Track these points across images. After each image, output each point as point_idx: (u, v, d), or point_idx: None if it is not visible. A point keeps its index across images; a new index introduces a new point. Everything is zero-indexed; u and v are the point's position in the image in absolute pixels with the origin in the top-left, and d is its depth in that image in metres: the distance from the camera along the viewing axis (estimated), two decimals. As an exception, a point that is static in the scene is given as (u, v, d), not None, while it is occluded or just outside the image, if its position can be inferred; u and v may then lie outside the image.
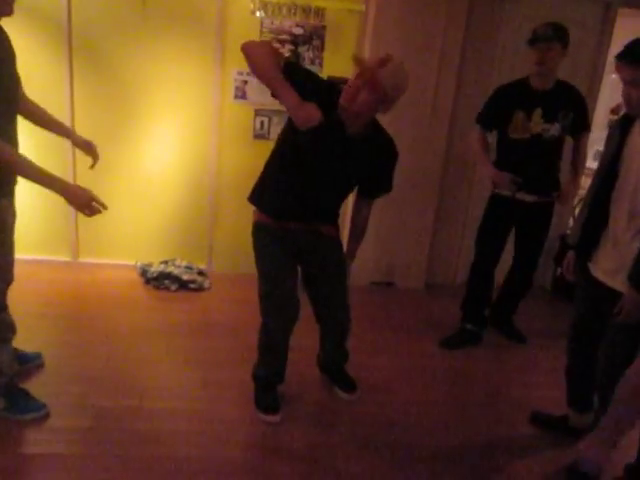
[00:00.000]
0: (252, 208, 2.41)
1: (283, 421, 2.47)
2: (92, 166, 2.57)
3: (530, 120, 2.99)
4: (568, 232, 3.10)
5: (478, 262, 3.35)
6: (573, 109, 3.01)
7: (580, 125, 3.08)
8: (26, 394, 2.37)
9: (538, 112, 2.98)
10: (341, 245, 2.51)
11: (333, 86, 2.19)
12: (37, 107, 2.45)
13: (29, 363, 2.67)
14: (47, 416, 2.33)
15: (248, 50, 2.06)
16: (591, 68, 4.09)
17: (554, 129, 2.99)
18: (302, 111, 1.99)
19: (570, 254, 2.36)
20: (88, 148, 2.58)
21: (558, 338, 3.50)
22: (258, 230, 2.40)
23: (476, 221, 4.25)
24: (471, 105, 3.96)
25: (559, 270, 4.39)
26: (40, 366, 2.69)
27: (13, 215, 2.31)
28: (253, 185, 2.41)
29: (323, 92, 2.13)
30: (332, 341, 2.70)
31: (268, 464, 2.22)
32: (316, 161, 2.19)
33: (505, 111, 3.06)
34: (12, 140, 2.15)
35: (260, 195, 2.37)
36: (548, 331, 3.67)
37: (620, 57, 1.96)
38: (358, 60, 2.09)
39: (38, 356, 2.72)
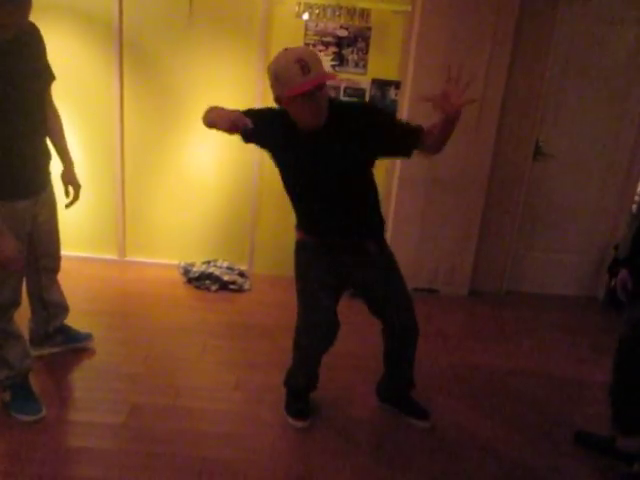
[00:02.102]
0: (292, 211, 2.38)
1: (312, 428, 2.45)
2: (67, 205, 2.55)
3: None
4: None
5: None
6: None
7: None
8: (29, 394, 2.37)
9: None
10: (389, 257, 2.37)
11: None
12: (55, 120, 2.43)
13: (81, 342, 2.83)
14: (42, 420, 2.31)
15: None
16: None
17: None
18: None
19: (623, 272, 2.20)
20: (72, 186, 2.55)
21: (608, 352, 3.36)
22: (302, 249, 2.36)
23: (528, 227, 4.13)
24: (520, 108, 3.84)
25: (613, 281, 4.18)
26: (91, 345, 2.85)
27: (43, 210, 2.36)
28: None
29: (280, 116, 2.11)
30: (399, 354, 2.49)
31: (295, 470, 2.20)
32: (312, 172, 2.17)
33: None
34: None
35: (300, 220, 2.37)
36: (598, 344, 3.49)
37: None
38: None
39: (89, 336, 2.86)
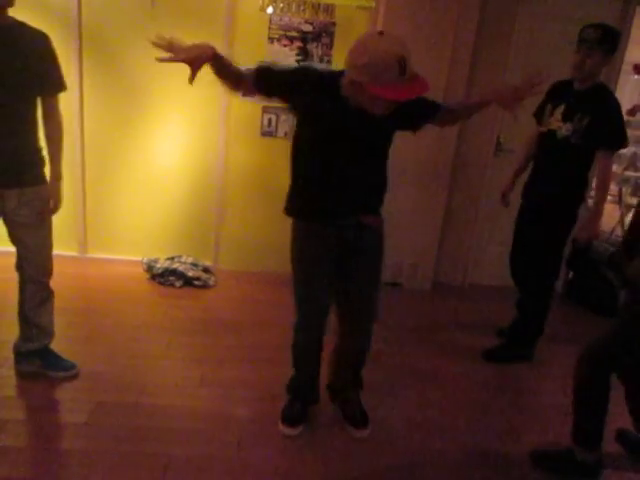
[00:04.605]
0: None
1: (278, 421, 2.45)
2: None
3: (552, 115, 2.91)
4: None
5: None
6: (591, 114, 2.76)
7: (596, 136, 2.75)
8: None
9: (561, 109, 2.88)
10: (382, 238, 2.27)
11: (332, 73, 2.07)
12: (53, 131, 2.40)
13: (62, 371, 2.60)
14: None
15: None
16: (608, 67, 3.98)
17: (565, 129, 2.84)
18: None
19: None
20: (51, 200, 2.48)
21: (565, 342, 3.46)
22: (299, 232, 2.22)
23: (488, 221, 4.22)
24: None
25: (571, 274, 4.31)
26: (73, 377, 2.60)
27: (22, 210, 2.33)
28: (287, 196, 2.23)
29: (323, 78, 2.03)
30: (351, 353, 2.46)
31: (262, 466, 2.20)
32: (343, 137, 2.03)
33: (543, 104, 3.03)
34: None
35: (299, 204, 2.19)
36: (555, 336, 3.58)
37: None
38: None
39: (72, 367, 2.63)
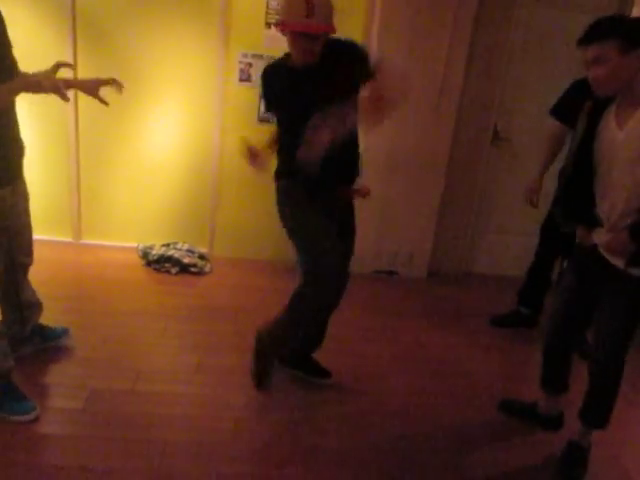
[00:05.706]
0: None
1: (274, 410, 2.47)
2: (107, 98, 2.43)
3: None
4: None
5: (540, 250, 3.47)
6: None
7: None
8: (16, 393, 2.24)
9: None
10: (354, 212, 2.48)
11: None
12: None
13: (59, 339, 2.67)
14: (36, 420, 2.19)
15: None
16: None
17: None
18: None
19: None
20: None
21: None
22: (290, 193, 2.33)
23: (484, 210, 4.22)
24: (480, 88, 3.89)
25: (565, 263, 4.31)
26: (69, 342, 2.70)
27: (20, 201, 2.30)
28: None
29: (282, 73, 2.22)
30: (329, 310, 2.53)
31: (257, 452, 2.21)
32: (313, 104, 2.12)
33: (579, 103, 3.00)
34: None
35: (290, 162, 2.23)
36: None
37: (583, 41, 1.94)
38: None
39: (65, 331, 2.71)
